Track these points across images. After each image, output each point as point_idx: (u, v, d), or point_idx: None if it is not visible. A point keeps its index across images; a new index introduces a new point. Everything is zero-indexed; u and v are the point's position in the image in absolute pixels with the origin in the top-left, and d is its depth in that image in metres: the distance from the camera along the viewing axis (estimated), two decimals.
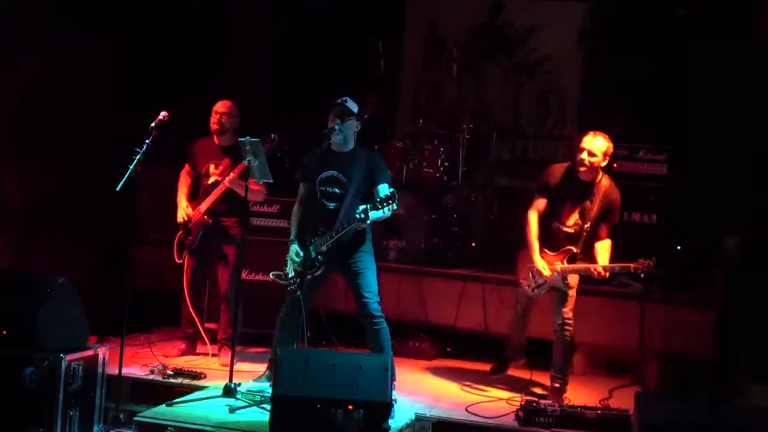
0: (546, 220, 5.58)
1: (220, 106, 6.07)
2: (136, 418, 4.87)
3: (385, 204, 4.94)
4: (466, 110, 7.68)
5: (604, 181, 5.48)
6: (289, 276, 5.38)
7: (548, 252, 5.56)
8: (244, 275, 6.29)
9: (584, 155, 5.38)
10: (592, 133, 5.46)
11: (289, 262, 5.41)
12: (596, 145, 5.39)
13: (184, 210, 6.03)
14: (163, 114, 5.58)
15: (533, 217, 5.57)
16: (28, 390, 4.76)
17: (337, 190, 5.33)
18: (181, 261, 6.04)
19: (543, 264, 5.50)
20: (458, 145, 7.56)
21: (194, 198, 6.10)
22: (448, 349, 6.84)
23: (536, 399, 5.43)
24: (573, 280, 5.54)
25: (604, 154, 5.39)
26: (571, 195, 5.50)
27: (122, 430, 5.23)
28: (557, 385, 5.58)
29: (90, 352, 5.12)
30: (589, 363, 6.64)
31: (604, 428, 5.00)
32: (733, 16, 7.12)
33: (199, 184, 6.09)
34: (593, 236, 5.49)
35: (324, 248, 5.25)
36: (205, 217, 5.97)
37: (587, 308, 6.48)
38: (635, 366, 6.38)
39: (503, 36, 8.84)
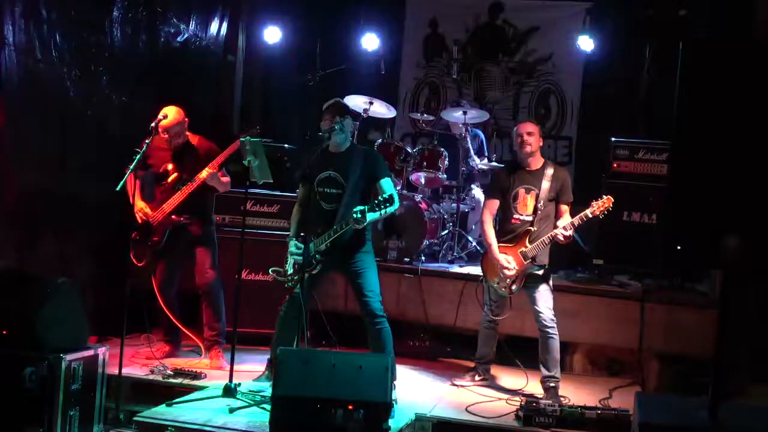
0: (506, 217, 5.77)
1: (161, 113, 5.84)
2: (136, 418, 4.86)
3: (383, 206, 4.97)
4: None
5: (549, 167, 5.73)
6: (288, 273, 5.39)
7: (510, 245, 5.66)
8: (244, 275, 6.28)
9: (524, 137, 5.68)
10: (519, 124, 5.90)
11: (289, 257, 5.42)
12: (528, 126, 5.75)
13: (143, 211, 5.91)
14: (163, 114, 5.57)
15: (488, 218, 5.80)
16: (28, 390, 4.75)
17: (334, 191, 5.34)
18: (143, 264, 5.92)
19: (505, 257, 5.61)
20: (458, 145, 7.56)
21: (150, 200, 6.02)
22: (448, 349, 6.83)
23: (536, 399, 5.45)
24: (544, 257, 5.64)
25: (538, 133, 5.73)
26: (522, 186, 5.70)
27: (122, 430, 5.23)
28: (552, 385, 5.58)
29: (90, 352, 5.11)
30: (589, 363, 6.64)
31: (604, 428, 5.01)
32: (733, 16, 7.12)
33: (158, 185, 5.99)
34: (556, 217, 5.67)
35: (323, 247, 5.26)
36: (173, 216, 5.89)
37: (587, 308, 6.50)
38: (635, 366, 6.38)
39: (503, 36, 8.85)
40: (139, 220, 5.92)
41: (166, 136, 5.84)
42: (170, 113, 5.81)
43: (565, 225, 5.49)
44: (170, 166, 5.96)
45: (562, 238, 5.49)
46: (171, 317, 6.01)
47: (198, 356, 6.10)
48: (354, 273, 5.35)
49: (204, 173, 5.79)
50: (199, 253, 6.00)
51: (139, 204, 5.94)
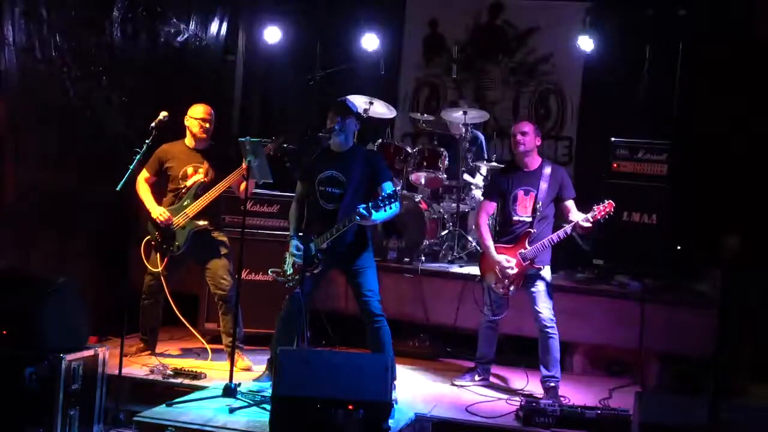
0: (505, 218, 5.80)
1: (205, 113, 5.96)
2: (136, 418, 4.86)
3: (387, 203, 4.95)
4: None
5: (546, 167, 5.73)
6: (288, 273, 5.39)
7: (508, 246, 5.68)
8: (244, 275, 6.27)
9: (518, 137, 5.72)
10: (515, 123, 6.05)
11: (287, 257, 5.42)
12: (524, 125, 5.76)
13: (163, 216, 5.83)
14: (163, 114, 5.57)
15: (483, 221, 5.83)
16: (28, 390, 4.76)
17: (336, 190, 5.34)
18: (161, 269, 5.87)
19: (505, 257, 5.62)
20: (458, 146, 7.56)
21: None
22: (448, 349, 6.83)
23: (536, 399, 5.45)
24: (544, 258, 5.65)
25: (534, 132, 5.72)
26: (521, 188, 5.71)
27: (122, 430, 5.24)
28: (552, 385, 5.58)
29: (90, 352, 5.12)
30: (589, 363, 6.64)
31: (604, 428, 5.01)
32: (733, 16, 7.12)
33: (176, 188, 5.95)
34: (557, 217, 5.70)
35: (324, 246, 5.25)
36: (200, 222, 5.87)
37: (587, 308, 6.50)
38: (635, 366, 6.38)
39: (503, 36, 8.85)
40: (163, 223, 5.84)
41: (205, 135, 5.91)
42: (205, 107, 5.94)
43: (562, 231, 5.51)
44: (190, 169, 5.95)
45: (587, 225, 5.44)
46: (181, 318, 6.00)
47: (201, 358, 6.11)
48: (353, 272, 5.35)
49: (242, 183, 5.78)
50: (218, 260, 5.96)
51: (159, 209, 5.87)
